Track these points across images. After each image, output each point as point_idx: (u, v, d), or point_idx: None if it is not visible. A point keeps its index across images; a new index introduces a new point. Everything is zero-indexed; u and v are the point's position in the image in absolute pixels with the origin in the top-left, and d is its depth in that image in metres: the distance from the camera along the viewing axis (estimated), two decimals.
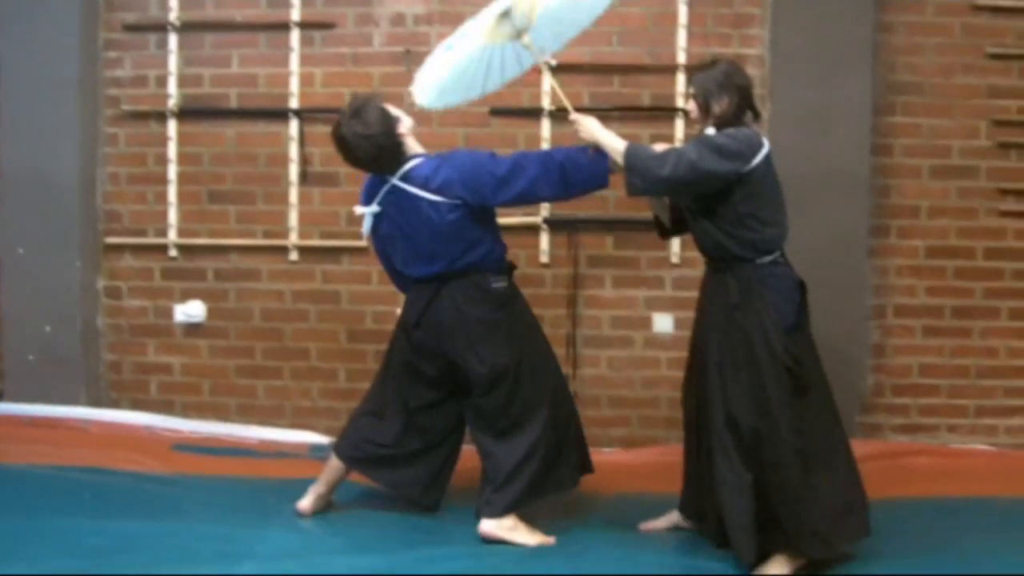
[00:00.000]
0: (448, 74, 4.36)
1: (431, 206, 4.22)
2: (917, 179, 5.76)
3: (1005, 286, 5.78)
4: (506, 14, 4.13)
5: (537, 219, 5.78)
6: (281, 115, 5.89)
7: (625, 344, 5.89)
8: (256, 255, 5.98)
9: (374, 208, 4.36)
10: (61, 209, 5.86)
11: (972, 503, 4.87)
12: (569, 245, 5.81)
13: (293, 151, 5.89)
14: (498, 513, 4.29)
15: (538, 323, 4.65)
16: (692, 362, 4.34)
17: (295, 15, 5.86)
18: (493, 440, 4.41)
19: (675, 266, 5.79)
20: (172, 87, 5.93)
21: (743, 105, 4.06)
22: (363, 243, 4.50)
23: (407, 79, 5.33)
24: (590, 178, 4.23)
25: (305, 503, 4.57)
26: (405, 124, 4.33)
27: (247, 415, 6.02)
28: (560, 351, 5.62)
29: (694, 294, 4.34)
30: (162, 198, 5.98)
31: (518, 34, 4.22)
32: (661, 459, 5.33)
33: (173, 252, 5.99)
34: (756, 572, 3.93)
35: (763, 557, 3.95)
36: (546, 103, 5.74)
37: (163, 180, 5.97)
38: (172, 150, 5.95)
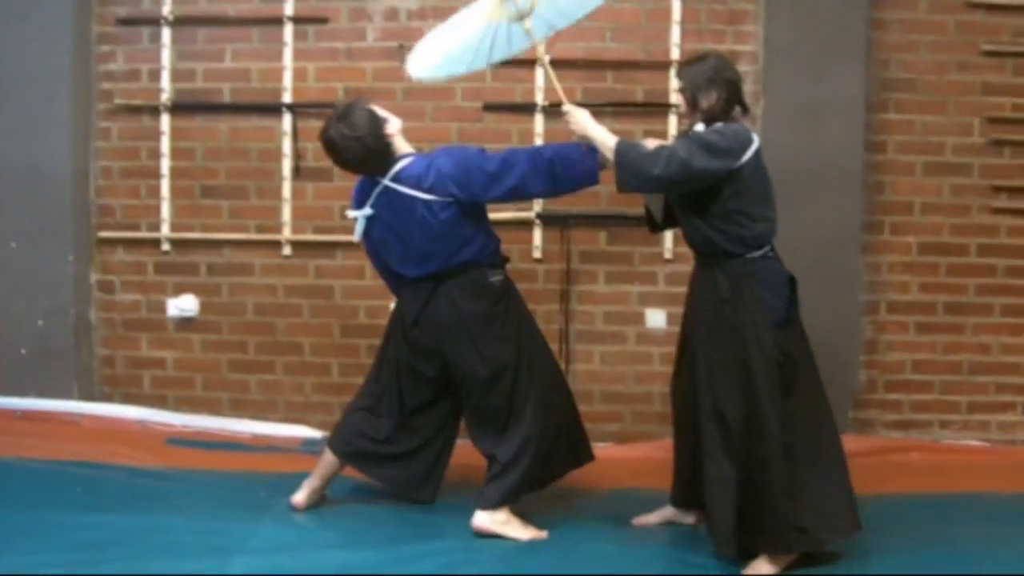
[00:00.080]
0: (442, 48, 4.37)
1: (424, 206, 4.22)
2: (910, 176, 5.76)
3: (998, 283, 5.79)
4: None
5: (530, 214, 5.78)
6: (274, 110, 5.88)
7: (618, 340, 5.89)
8: (249, 250, 5.98)
9: (367, 211, 4.36)
10: (54, 203, 5.85)
11: (965, 499, 4.89)
12: (562, 240, 5.81)
13: (286, 146, 5.89)
14: (492, 505, 4.30)
15: (531, 315, 4.66)
16: (681, 357, 4.35)
17: (288, 9, 5.85)
18: (494, 439, 4.42)
19: (668, 261, 5.79)
20: (165, 81, 5.92)
21: (732, 100, 4.05)
22: (356, 238, 4.48)
23: (401, 74, 5.36)
24: (580, 175, 4.23)
25: (299, 497, 4.57)
26: (393, 125, 4.32)
27: (240, 409, 6.02)
28: (553, 347, 5.61)
29: (687, 290, 4.34)
30: (155, 192, 5.97)
31: (519, 16, 4.20)
32: (654, 454, 5.33)
33: (166, 246, 5.99)
34: (744, 572, 3.93)
35: (751, 555, 3.95)
36: (539, 98, 5.75)
37: (156, 174, 5.96)
38: (165, 144, 5.94)
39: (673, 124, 5.68)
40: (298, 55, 5.88)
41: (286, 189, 5.91)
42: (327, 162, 5.40)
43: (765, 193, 4.04)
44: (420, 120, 5.67)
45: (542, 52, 4.41)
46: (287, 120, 5.88)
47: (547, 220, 5.80)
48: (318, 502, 4.63)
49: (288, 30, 5.86)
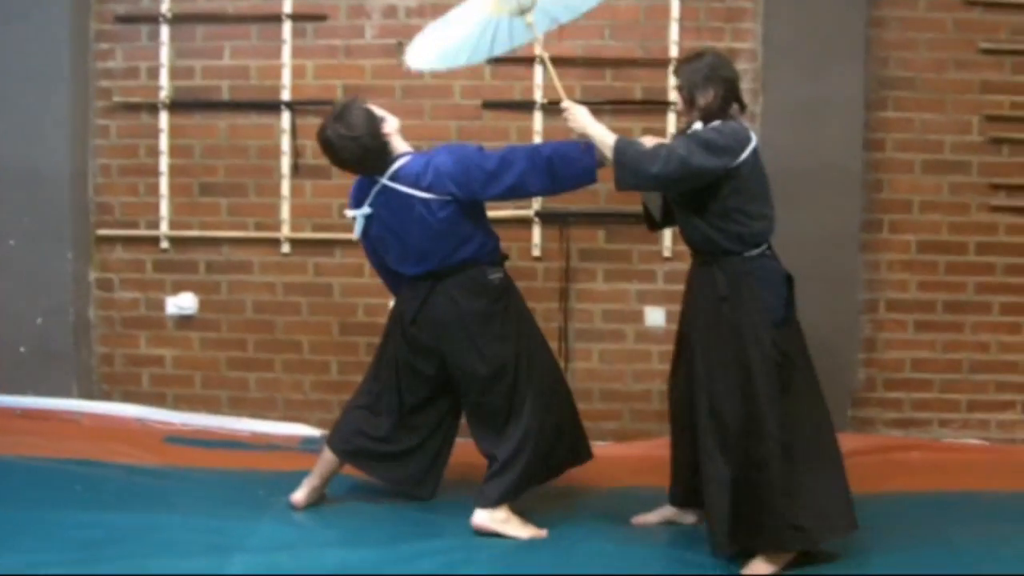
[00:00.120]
0: (442, 40, 4.39)
1: (423, 204, 4.21)
2: (909, 174, 5.76)
3: (997, 281, 5.79)
4: None
5: (529, 212, 5.78)
6: (273, 107, 5.87)
7: (617, 338, 5.89)
8: (248, 247, 5.98)
9: (365, 210, 4.35)
10: (52, 201, 5.84)
11: (964, 497, 4.88)
12: (561, 239, 5.80)
13: (285, 143, 5.88)
14: (491, 503, 4.30)
15: (531, 313, 4.65)
16: (679, 355, 4.34)
17: (287, 7, 5.84)
18: (494, 439, 4.42)
19: (667, 260, 5.79)
20: (164, 79, 5.91)
21: (729, 97, 4.04)
22: (355, 237, 4.49)
23: (400, 72, 5.36)
24: (578, 173, 4.23)
25: (299, 496, 4.57)
26: (391, 124, 4.32)
27: (239, 407, 6.02)
28: (552, 345, 5.62)
29: (684, 288, 4.34)
30: (153, 190, 5.97)
31: (521, 10, 4.20)
32: (653, 453, 5.32)
33: (165, 244, 5.98)
34: (743, 572, 3.93)
35: (749, 554, 3.96)
36: (538, 96, 5.74)
37: (154, 172, 5.96)
38: (164, 142, 5.93)
39: (672, 122, 5.68)
40: (297, 52, 5.87)
41: (285, 187, 5.91)
42: (326, 160, 5.42)
43: (763, 191, 4.04)
44: (419, 118, 5.67)
45: (541, 49, 4.40)
46: (286, 118, 5.87)
47: (546, 218, 5.80)
48: (317, 501, 4.62)
49: (287, 27, 5.86)
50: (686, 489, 4.33)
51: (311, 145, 5.75)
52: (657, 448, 5.24)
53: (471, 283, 4.34)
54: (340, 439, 4.60)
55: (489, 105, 5.78)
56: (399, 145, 4.33)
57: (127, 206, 6.01)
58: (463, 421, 4.63)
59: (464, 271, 4.33)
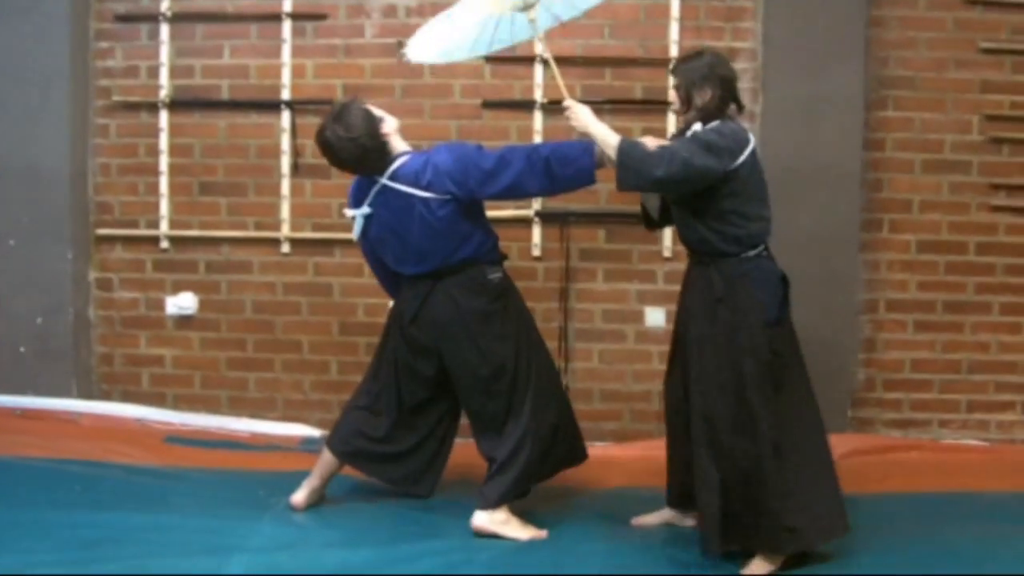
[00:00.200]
0: (444, 33, 4.39)
1: (422, 203, 4.21)
2: (909, 173, 5.76)
3: (997, 281, 5.79)
4: None
5: (529, 212, 5.78)
6: (273, 106, 5.87)
7: (617, 338, 5.89)
8: (248, 247, 5.97)
9: (364, 210, 4.35)
10: (52, 200, 5.84)
11: (964, 498, 4.89)
12: (561, 238, 5.80)
13: (285, 143, 5.88)
14: (491, 505, 4.30)
15: (529, 312, 4.65)
16: (674, 356, 4.34)
17: (287, 6, 5.84)
18: (494, 441, 4.42)
19: (667, 260, 5.78)
20: (163, 78, 5.91)
21: (726, 97, 4.04)
22: (354, 238, 4.48)
23: (399, 71, 5.36)
24: (576, 174, 4.21)
25: (299, 497, 4.57)
26: (389, 124, 4.32)
27: (238, 407, 6.01)
28: (552, 345, 5.62)
29: (680, 288, 4.34)
30: (153, 189, 5.97)
31: (525, 6, 4.19)
32: (653, 453, 5.29)
33: (164, 244, 5.98)
34: (742, 572, 3.93)
35: (748, 555, 3.95)
36: (538, 95, 5.74)
37: (154, 171, 5.95)
38: (163, 141, 5.93)
39: (671, 121, 5.67)
40: (297, 52, 5.87)
41: (285, 186, 5.91)
42: (325, 160, 5.42)
43: (761, 193, 4.03)
44: (419, 117, 5.67)
45: (544, 48, 4.39)
46: (286, 117, 5.87)
47: (546, 218, 5.79)
48: (317, 501, 4.62)
49: (287, 26, 5.85)
50: (682, 491, 4.32)
51: (311, 144, 5.72)
52: (657, 449, 5.21)
53: (470, 282, 4.34)
54: (339, 440, 4.59)
55: (489, 104, 5.77)
56: (398, 145, 4.33)
57: (127, 205, 6.01)
58: (464, 422, 4.63)
59: (463, 270, 4.33)
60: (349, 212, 4.44)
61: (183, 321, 6.03)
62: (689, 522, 4.42)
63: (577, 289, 5.87)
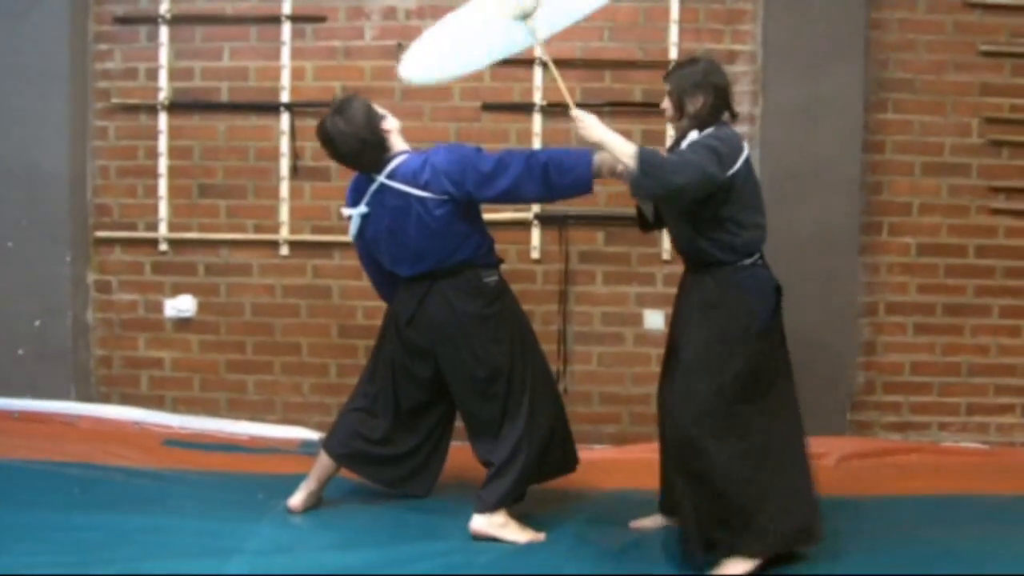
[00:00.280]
0: (437, 49, 4.34)
1: (419, 203, 4.21)
2: (909, 176, 5.76)
3: (996, 284, 5.79)
4: None
5: (528, 215, 5.77)
6: (272, 109, 5.87)
7: (616, 340, 5.88)
8: (247, 249, 5.97)
9: (362, 209, 4.35)
10: (51, 203, 5.84)
11: (963, 500, 4.88)
12: (560, 241, 5.80)
13: (284, 145, 5.88)
14: (489, 508, 4.29)
15: (525, 315, 4.64)
16: (668, 361, 4.32)
17: (286, 8, 5.85)
18: (490, 445, 4.41)
19: (666, 262, 5.78)
20: (163, 80, 5.91)
21: (719, 105, 4.01)
22: (351, 237, 4.48)
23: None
24: (573, 182, 4.19)
25: (296, 500, 4.56)
26: (390, 123, 4.33)
27: (237, 410, 6.01)
28: (551, 347, 5.63)
29: (676, 294, 4.33)
30: (152, 192, 5.97)
31: (523, 15, 4.11)
32: (652, 456, 5.26)
33: (163, 246, 5.98)
34: (710, 572, 3.90)
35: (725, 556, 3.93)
36: (538, 98, 5.73)
37: (153, 174, 5.95)
38: (162, 143, 5.93)
39: (670, 124, 5.67)
40: (296, 54, 5.87)
41: (284, 188, 5.91)
42: (325, 161, 5.41)
43: (756, 200, 4.01)
44: (418, 120, 5.67)
45: (547, 57, 4.34)
46: (285, 119, 5.87)
47: (545, 220, 5.79)
48: (315, 504, 4.61)
49: (286, 29, 5.86)
50: (671, 498, 4.30)
51: (310, 147, 5.77)
52: (656, 452, 5.23)
53: (467, 285, 4.33)
54: (337, 442, 4.59)
55: (488, 107, 5.77)
56: (398, 144, 4.33)
57: (126, 208, 6.01)
58: (459, 424, 4.62)
59: (460, 273, 4.32)
60: (346, 211, 4.44)
61: (182, 323, 6.02)
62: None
63: (576, 292, 5.87)
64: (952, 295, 5.80)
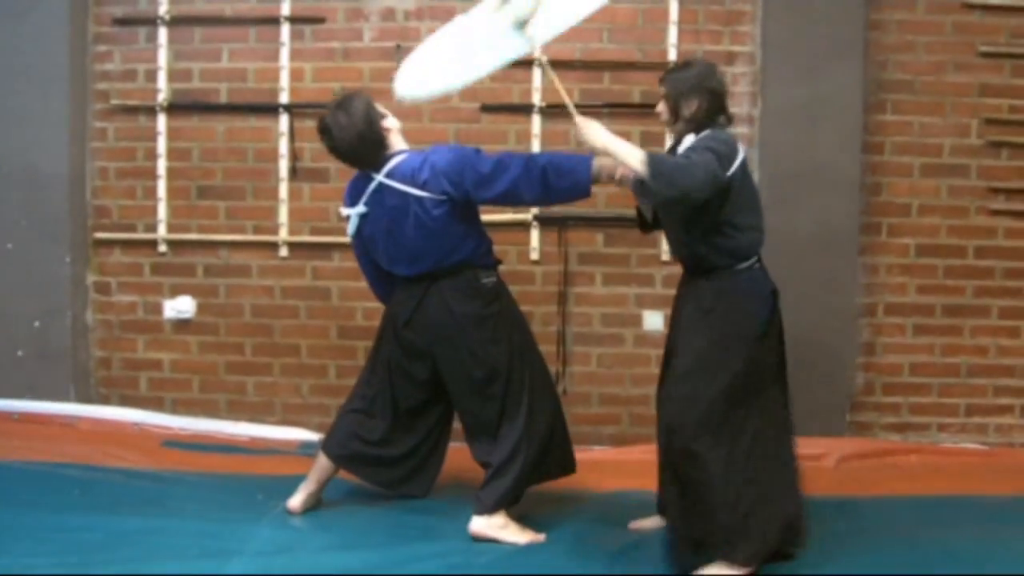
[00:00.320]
0: (433, 62, 4.31)
1: (417, 202, 4.21)
2: (908, 177, 5.76)
3: (996, 285, 5.79)
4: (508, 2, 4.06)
5: (527, 216, 5.77)
6: (271, 110, 5.87)
7: (615, 341, 5.89)
8: (246, 251, 5.97)
9: (360, 209, 4.35)
10: (50, 204, 5.84)
11: (963, 501, 4.88)
12: (559, 242, 5.80)
13: (283, 146, 5.88)
14: (488, 510, 4.29)
15: (523, 316, 4.63)
16: (666, 364, 4.31)
17: (285, 9, 5.85)
18: (488, 446, 4.41)
19: (665, 263, 5.78)
20: (162, 81, 5.91)
21: (714, 109, 3.98)
22: (349, 236, 4.48)
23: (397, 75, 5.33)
24: (572, 186, 4.18)
25: (295, 501, 4.55)
26: (391, 122, 4.33)
27: (237, 411, 6.01)
28: (550, 348, 5.63)
29: (674, 298, 4.32)
30: (151, 193, 5.97)
31: (520, 23, 4.05)
32: (651, 457, 5.23)
33: (162, 247, 5.98)
34: (696, 573, 3.88)
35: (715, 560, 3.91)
36: (536, 99, 5.73)
37: (152, 175, 5.95)
38: (161, 145, 5.93)
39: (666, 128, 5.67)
40: (295, 55, 5.87)
41: (283, 190, 5.91)
42: (324, 163, 5.44)
43: (752, 203, 3.98)
44: (418, 121, 5.66)
45: (550, 72, 4.28)
46: (284, 120, 5.87)
47: (544, 222, 5.79)
48: (314, 505, 4.61)
49: (285, 30, 5.86)
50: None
51: (309, 148, 5.77)
52: (655, 453, 5.23)
53: (464, 286, 4.33)
54: (335, 444, 4.58)
55: (487, 108, 5.77)
56: (397, 143, 4.34)
57: (125, 209, 6.01)
58: (457, 426, 4.62)
59: (458, 274, 4.32)
60: (344, 211, 4.44)
61: (181, 325, 6.02)
62: None
63: (575, 293, 5.87)
64: (951, 296, 5.80)
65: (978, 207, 5.76)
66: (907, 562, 4.05)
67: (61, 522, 4.32)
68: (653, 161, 3.70)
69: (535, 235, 5.82)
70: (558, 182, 4.15)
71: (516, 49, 4.14)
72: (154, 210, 5.96)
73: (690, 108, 3.97)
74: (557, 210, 5.66)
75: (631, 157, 3.74)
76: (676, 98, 3.99)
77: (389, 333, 4.55)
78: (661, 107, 4.09)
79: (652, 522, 4.47)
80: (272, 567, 3.94)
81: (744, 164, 3.91)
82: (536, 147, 5.70)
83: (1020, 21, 5.69)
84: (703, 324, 3.95)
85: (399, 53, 5.63)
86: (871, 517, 4.55)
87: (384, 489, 4.69)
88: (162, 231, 5.97)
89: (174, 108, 5.92)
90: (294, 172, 5.89)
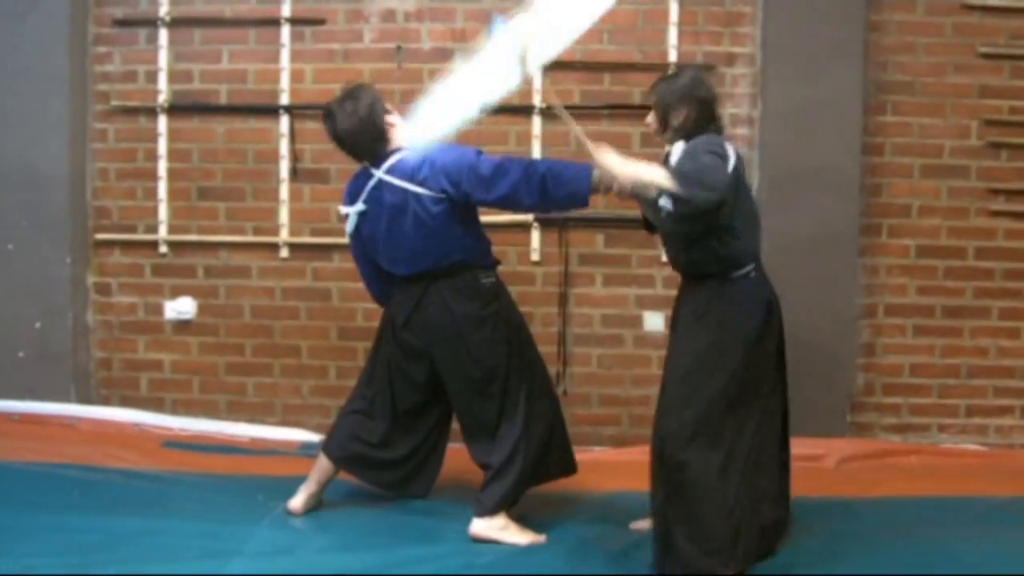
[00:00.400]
0: (439, 109, 4.22)
1: (416, 199, 4.21)
2: (908, 178, 5.76)
3: (995, 286, 5.79)
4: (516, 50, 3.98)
5: (528, 217, 5.77)
6: (271, 111, 5.87)
7: (616, 342, 5.89)
8: (246, 252, 5.97)
9: (359, 207, 4.35)
10: (50, 205, 5.84)
11: (963, 502, 4.87)
12: (560, 243, 5.80)
13: (283, 147, 5.88)
14: (488, 512, 4.29)
15: (522, 316, 4.62)
16: (664, 370, 4.29)
17: (285, 11, 5.85)
18: (487, 447, 4.41)
19: (666, 264, 5.74)
20: (162, 82, 5.91)
21: (703, 118, 3.95)
22: (347, 234, 4.47)
23: (398, 75, 5.35)
24: (570, 195, 4.14)
25: (296, 503, 4.55)
26: (396, 119, 4.33)
27: (237, 412, 6.01)
28: (551, 349, 5.64)
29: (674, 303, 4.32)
30: (151, 194, 5.97)
31: (521, 60, 3.86)
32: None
33: (163, 248, 5.98)
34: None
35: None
36: (537, 101, 5.73)
37: (153, 176, 5.96)
38: (162, 146, 5.93)
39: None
40: (295, 56, 5.87)
41: (283, 191, 5.91)
42: (324, 164, 5.44)
43: (748, 208, 3.97)
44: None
45: (562, 111, 4.22)
46: (284, 122, 5.87)
47: (545, 223, 5.79)
48: (315, 506, 4.61)
49: (285, 31, 5.86)
50: None
51: (310, 149, 5.78)
52: None
53: (463, 286, 4.33)
54: (336, 445, 4.58)
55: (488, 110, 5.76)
56: (400, 141, 4.34)
57: (125, 210, 6.01)
58: (456, 427, 4.62)
59: (456, 274, 4.32)
60: (343, 209, 4.44)
61: (182, 326, 6.03)
62: None
63: (576, 294, 5.87)
64: (951, 297, 5.81)
65: (978, 208, 5.76)
66: (907, 563, 4.05)
67: (61, 523, 4.32)
68: (680, 174, 3.62)
69: (536, 236, 5.82)
70: (557, 190, 4.12)
71: (514, 78, 4.03)
72: (154, 211, 5.97)
73: (679, 118, 3.94)
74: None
75: (661, 179, 3.62)
76: (665, 108, 3.97)
77: (388, 334, 4.55)
78: (650, 118, 4.07)
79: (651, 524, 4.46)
80: (272, 568, 3.94)
81: (737, 169, 3.84)
82: (537, 148, 5.72)
83: (1020, 22, 5.69)
84: (695, 331, 3.93)
85: (399, 54, 5.65)
86: (871, 518, 4.55)
87: (384, 490, 4.69)
88: (162, 232, 5.97)
89: (174, 109, 5.92)
90: (294, 173, 5.89)
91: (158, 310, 6.03)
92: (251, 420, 5.95)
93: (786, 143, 5.54)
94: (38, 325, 5.89)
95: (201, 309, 6.01)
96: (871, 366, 5.85)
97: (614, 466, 5.35)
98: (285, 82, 5.87)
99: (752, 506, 3.84)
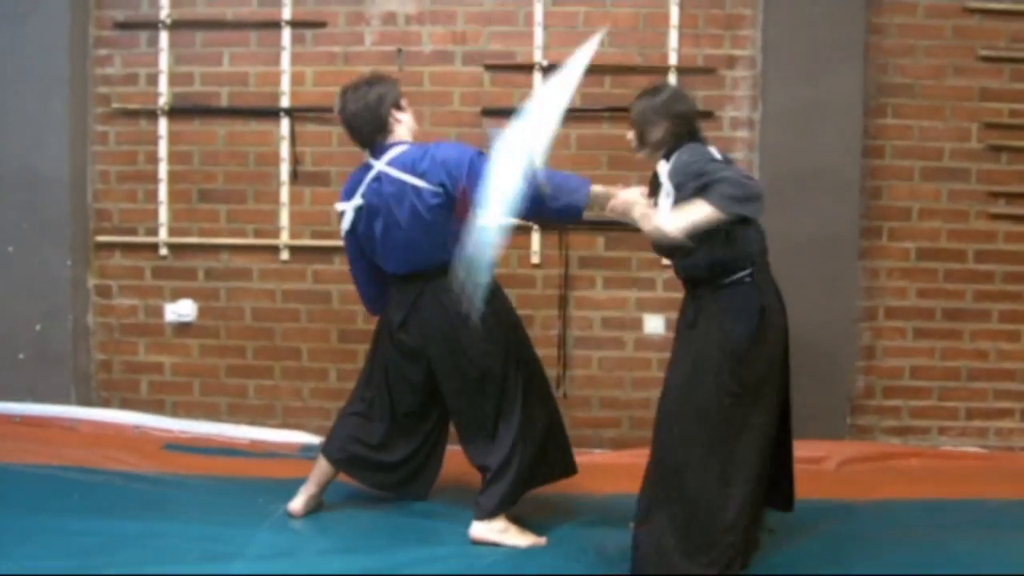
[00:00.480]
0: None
1: (414, 192, 4.21)
2: (908, 181, 5.77)
3: (996, 289, 5.79)
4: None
5: None
6: (272, 114, 5.87)
7: (616, 345, 5.89)
8: (247, 254, 5.97)
9: (357, 201, 4.35)
10: (51, 207, 5.84)
11: (963, 505, 4.87)
12: (560, 246, 5.80)
13: (284, 150, 5.88)
14: (487, 514, 4.28)
15: (518, 317, 4.62)
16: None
17: (286, 13, 5.85)
18: (484, 449, 4.40)
19: (666, 267, 5.75)
20: (163, 85, 5.91)
21: (680, 131, 3.94)
22: (343, 231, 4.45)
23: (399, 78, 5.33)
24: (564, 208, 4.17)
25: (296, 504, 4.55)
26: (405, 115, 4.38)
27: (237, 415, 6.01)
28: (551, 352, 5.64)
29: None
30: (152, 196, 5.97)
31: (529, 163, 3.84)
32: None
33: (163, 251, 5.98)
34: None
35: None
36: None
37: (153, 178, 5.96)
38: (162, 148, 5.93)
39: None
40: (296, 59, 5.87)
41: (284, 193, 5.91)
42: (325, 166, 5.44)
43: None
44: (418, 124, 5.64)
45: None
46: (285, 124, 5.87)
47: (545, 225, 5.78)
48: (315, 508, 4.61)
49: (286, 34, 5.86)
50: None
51: (310, 152, 5.78)
52: None
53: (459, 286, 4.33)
54: (335, 447, 4.59)
55: (488, 112, 5.76)
56: (403, 134, 4.36)
57: (126, 212, 6.01)
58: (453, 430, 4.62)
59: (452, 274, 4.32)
60: (340, 205, 4.44)
61: (182, 328, 6.03)
62: None
63: (576, 296, 5.87)
64: (951, 300, 5.81)
65: (978, 211, 5.77)
66: (908, 565, 4.05)
67: (62, 525, 4.32)
68: (719, 196, 3.59)
69: (536, 238, 5.81)
70: (552, 202, 4.11)
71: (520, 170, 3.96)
72: (155, 213, 5.97)
73: (656, 134, 3.95)
74: None
75: (703, 212, 3.59)
76: (642, 124, 3.98)
77: (385, 336, 4.55)
78: (630, 135, 4.07)
79: None
80: (273, 570, 3.95)
81: None
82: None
83: (1020, 25, 5.70)
84: (688, 340, 3.94)
85: (401, 57, 5.65)
86: (871, 520, 4.55)
87: (384, 492, 4.70)
88: (163, 234, 5.97)
89: (175, 112, 5.92)
90: (295, 176, 5.89)
91: (158, 312, 6.03)
92: (252, 422, 5.95)
93: (786, 145, 5.54)
94: (38, 327, 5.89)
95: (202, 311, 6.01)
96: (871, 369, 5.85)
97: (614, 469, 5.34)
98: (286, 85, 5.86)
99: (745, 512, 3.82)
